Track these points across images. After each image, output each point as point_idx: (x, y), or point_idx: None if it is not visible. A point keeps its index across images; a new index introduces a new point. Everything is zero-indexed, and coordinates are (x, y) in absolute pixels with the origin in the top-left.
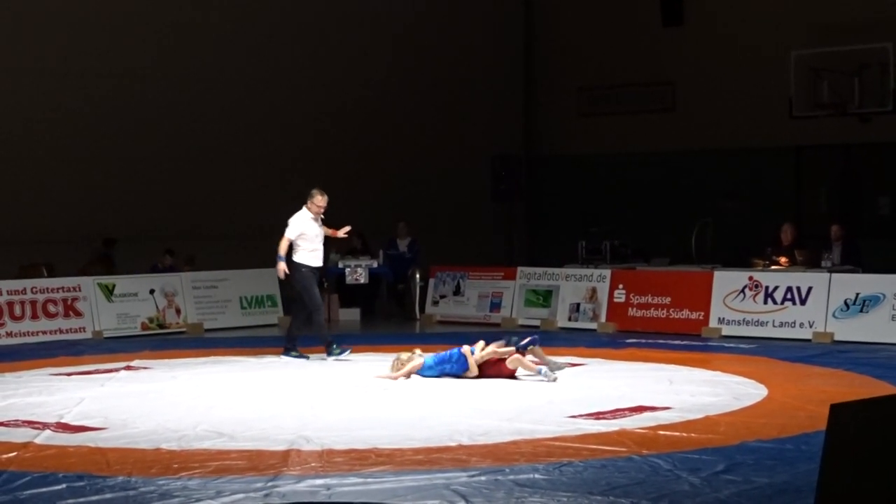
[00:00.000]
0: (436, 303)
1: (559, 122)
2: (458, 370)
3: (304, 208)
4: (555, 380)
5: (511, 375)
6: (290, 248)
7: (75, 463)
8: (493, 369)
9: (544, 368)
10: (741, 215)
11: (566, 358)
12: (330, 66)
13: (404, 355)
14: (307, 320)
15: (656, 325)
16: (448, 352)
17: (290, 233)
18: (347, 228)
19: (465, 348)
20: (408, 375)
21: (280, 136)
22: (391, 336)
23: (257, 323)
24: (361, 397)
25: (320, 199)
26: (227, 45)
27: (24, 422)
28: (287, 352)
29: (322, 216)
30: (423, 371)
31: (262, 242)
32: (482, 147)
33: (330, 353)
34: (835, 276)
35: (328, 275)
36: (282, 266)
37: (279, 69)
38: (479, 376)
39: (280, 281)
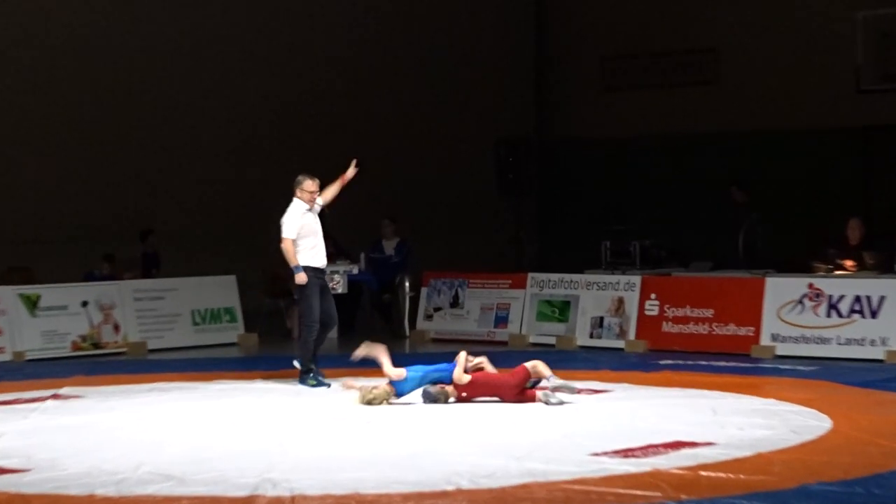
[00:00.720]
0: (429, 317)
1: (578, 98)
2: (446, 376)
3: (295, 199)
4: (559, 403)
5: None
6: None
7: None
8: (512, 393)
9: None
10: (799, 208)
11: (586, 383)
12: (303, 41)
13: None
14: (321, 333)
15: (696, 342)
16: (437, 366)
17: (288, 231)
18: (353, 164)
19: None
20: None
21: (248, 123)
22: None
23: (213, 342)
24: (339, 431)
25: (310, 184)
26: (194, 25)
27: None
28: (302, 378)
29: (320, 205)
30: (403, 385)
31: (220, 245)
32: (485, 130)
33: (302, 381)
34: None
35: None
36: (302, 276)
37: (251, 48)
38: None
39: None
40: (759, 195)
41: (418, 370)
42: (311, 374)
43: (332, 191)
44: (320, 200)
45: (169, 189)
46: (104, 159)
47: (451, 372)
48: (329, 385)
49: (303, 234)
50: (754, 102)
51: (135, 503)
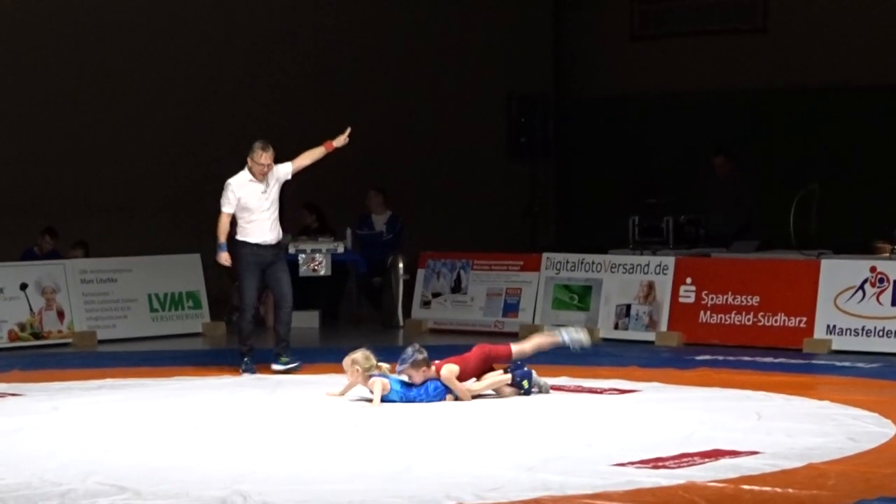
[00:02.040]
0: (426, 303)
1: (603, 48)
2: (430, 399)
3: (245, 169)
4: (540, 391)
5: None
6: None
7: None
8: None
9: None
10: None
11: (610, 382)
12: None
13: (359, 357)
14: (277, 313)
15: (739, 335)
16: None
17: (226, 205)
18: (347, 132)
19: (448, 370)
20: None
21: (214, 77)
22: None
23: (173, 332)
24: (322, 437)
25: (261, 156)
26: None
27: None
28: (276, 358)
29: (287, 175)
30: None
31: (183, 218)
32: (494, 84)
33: (246, 369)
34: None
35: None
36: (224, 255)
37: None
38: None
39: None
40: (810, 163)
41: (398, 383)
42: (247, 359)
43: (311, 156)
44: (289, 167)
45: (120, 152)
46: (42, 122)
47: (438, 394)
48: (253, 372)
49: (244, 207)
50: (808, 54)
51: None
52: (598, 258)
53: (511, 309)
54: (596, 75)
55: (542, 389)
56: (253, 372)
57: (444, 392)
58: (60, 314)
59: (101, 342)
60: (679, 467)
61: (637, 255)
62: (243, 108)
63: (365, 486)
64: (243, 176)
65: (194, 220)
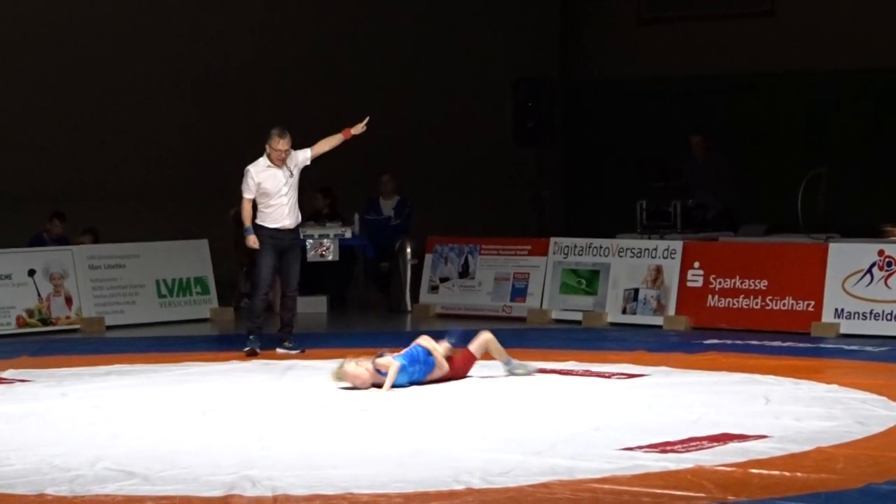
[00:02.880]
0: (434, 288)
1: (610, 32)
2: (426, 373)
3: (264, 156)
4: (527, 374)
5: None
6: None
7: None
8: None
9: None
10: (868, 161)
11: (618, 366)
12: None
13: (358, 361)
14: (283, 300)
15: (747, 319)
16: (410, 350)
17: (246, 191)
18: (366, 120)
19: (426, 341)
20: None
21: (221, 65)
22: (370, 335)
23: (181, 317)
24: (330, 422)
25: (278, 142)
26: None
27: None
28: (280, 343)
29: (307, 160)
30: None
31: (191, 203)
32: (502, 69)
33: (250, 345)
34: None
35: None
36: (252, 238)
37: None
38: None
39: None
40: (821, 146)
41: (407, 359)
42: (252, 336)
43: (329, 143)
44: (308, 153)
45: (127, 137)
46: (50, 109)
47: (428, 364)
48: (256, 354)
49: (263, 193)
50: (817, 37)
51: None
52: (605, 242)
53: (519, 293)
54: (603, 59)
55: (528, 371)
56: (255, 352)
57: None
58: (68, 300)
59: (110, 328)
60: (687, 451)
61: (645, 240)
62: (250, 95)
63: (374, 470)
64: (262, 162)
65: (202, 206)
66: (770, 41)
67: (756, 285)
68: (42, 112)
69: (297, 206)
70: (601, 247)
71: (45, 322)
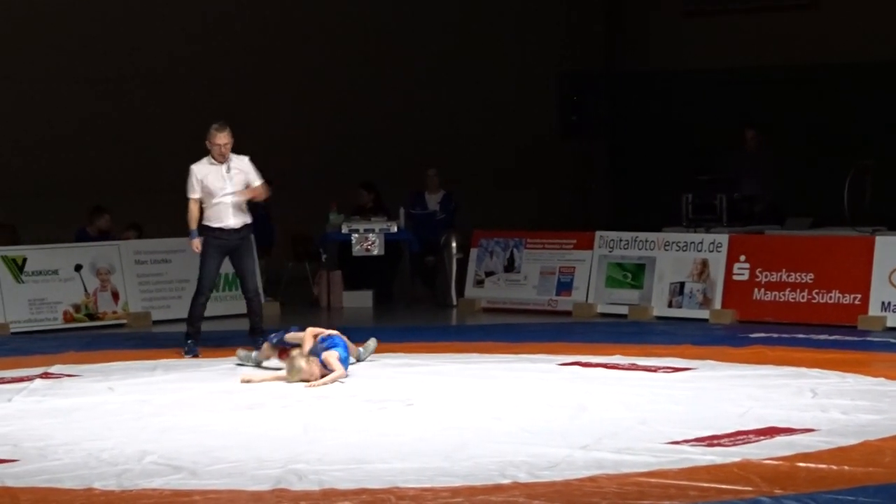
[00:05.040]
0: (480, 283)
1: (655, 25)
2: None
3: (208, 154)
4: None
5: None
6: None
7: None
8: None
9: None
10: None
11: (664, 360)
12: None
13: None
14: (246, 303)
15: (793, 312)
16: (334, 339)
17: (190, 191)
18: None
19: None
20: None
21: (264, 60)
22: (416, 330)
23: (227, 312)
24: (375, 415)
25: (216, 136)
26: None
27: None
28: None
29: (233, 160)
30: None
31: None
32: (545, 63)
33: (188, 351)
34: None
35: (326, 243)
36: (195, 242)
37: None
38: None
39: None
40: (867, 138)
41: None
42: (191, 341)
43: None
44: (249, 165)
45: (173, 133)
46: (96, 104)
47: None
48: (196, 355)
49: (205, 191)
50: (862, 30)
51: (139, 498)
52: (651, 236)
53: (564, 287)
54: (648, 52)
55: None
56: (196, 355)
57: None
58: (115, 295)
59: (156, 323)
60: (734, 445)
61: (691, 233)
62: (290, 90)
63: (420, 464)
64: (205, 161)
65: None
66: (814, 33)
67: (802, 278)
68: (86, 108)
69: (244, 206)
70: (647, 240)
71: (91, 317)
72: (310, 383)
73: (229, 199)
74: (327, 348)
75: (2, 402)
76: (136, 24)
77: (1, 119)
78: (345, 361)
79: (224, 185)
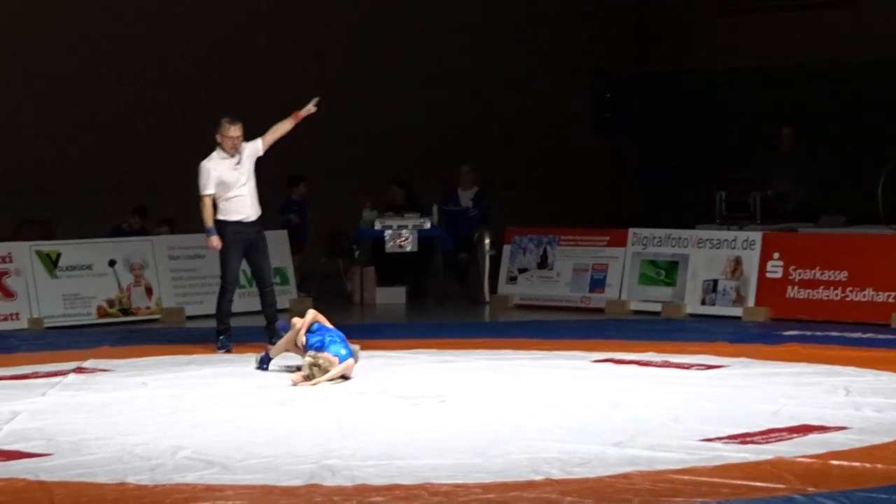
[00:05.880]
0: (513, 279)
1: (689, 23)
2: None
3: (217, 148)
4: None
5: None
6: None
7: (6, 503)
8: None
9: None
10: None
11: (697, 357)
12: None
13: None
14: (262, 297)
15: (827, 310)
16: (335, 336)
17: (205, 187)
18: (315, 100)
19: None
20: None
21: (295, 55)
22: (449, 326)
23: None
24: (408, 411)
25: (229, 129)
26: None
27: None
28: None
29: (259, 151)
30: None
31: (270, 194)
32: (580, 61)
33: (221, 346)
34: None
35: (360, 239)
36: (214, 239)
37: None
38: None
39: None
40: None
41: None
42: (222, 337)
43: (279, 131)
44: (259, 143)
45: (205, 130)
46: (128, 101)
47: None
48: (229, 350)
49: (221, 185)
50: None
51: (172, 493)
52: (684, 233)
53: (597, 284)
54: (682, 50)
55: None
56: (229, 350)
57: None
58: (149, 290)
59: (189, 318)
60: (767, 442)
61: (724, 230)
62: (323, 87)
63: (452, 461)
64: (215, 155)
65: (279, 196)
66: (850, 31)
67: (836, 276)
68: (118, 105)
69: (257, 197)
70: (680, 238)
71: (125, 312)
72: (313, 381)
73: (246, 191)
74: (322, 345)
75: (36, 397)
76: (169, 22)
77: (35, 115)
78: (343, 358)
79: (238, 178)
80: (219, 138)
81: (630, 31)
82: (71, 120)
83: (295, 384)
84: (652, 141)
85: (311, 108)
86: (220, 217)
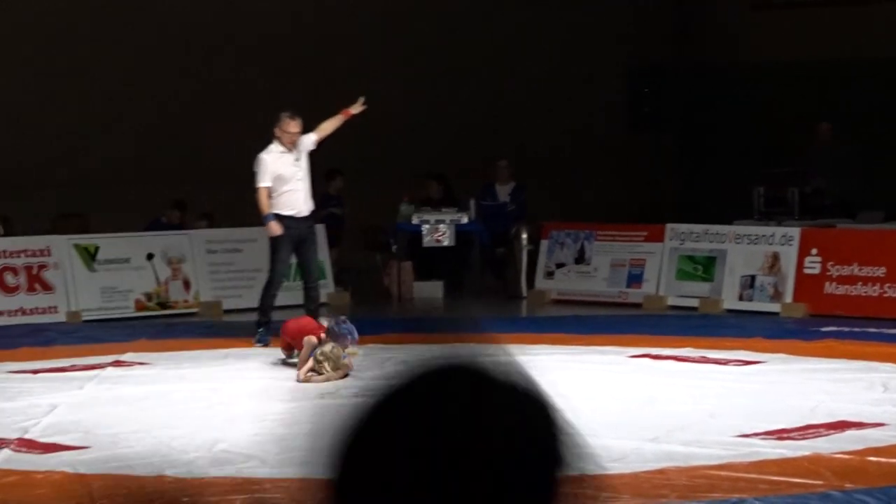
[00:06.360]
0: (550, 274)
1: (726, 18)
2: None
3: (274, 141)
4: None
5: None
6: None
7: (45, 495)
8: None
9: None
10: None
11: (735, 353)
12: None
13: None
14: (306, 292)
15: (865, 306)
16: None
17: (262, 179)
18: (361, 100)
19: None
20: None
21: (335, 49)
22: (486, 321)
23: (298, 301)
24: None
25: (289, 125)
26: None
27: None
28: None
29: (313, 143)
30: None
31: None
32: (618, 55)
33: (259, 339)
34: None
35: (397, 233)
36: (273, 224)
37: None
38: None
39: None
40: None
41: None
42: (262, 329)
43: (330, 126)
44: (313, 136)
45: (244, 123)
46: (168, 95)
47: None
48: (267, 344)
49: (278, 178)
50: None
51: (210, 486)
52: (722, 229)
53: (635, 279)
54: (719, 45)
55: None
56: (266, 344)
57: None
58: (186, 284)
59: (227, 312)
60: (804, 439)
61: (762, 226)
62: (360, 82)
63: None
64: (274, 149)
65: (317, 189)
66: (887, 27)
67: (874, 272)
68: (158, 99)
69: (310, 192)
70: (718, 233)
71: (163, 305)
72: (324, 376)
73: (301, 186)
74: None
75: (74, 390)
76: (210, 16)
77: (73, 110)
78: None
79: (295, 172)
80: (277, 132)
81: (667, 25)
82: (108, 115)
83: (302, 381)
84: (689, 136)
85: (359, 106)
86: (273, 211)
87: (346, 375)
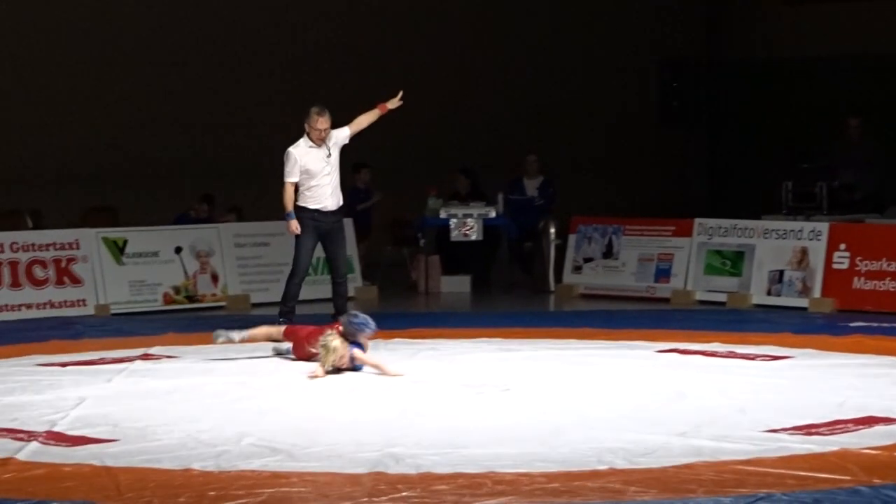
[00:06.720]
0: (578, 268)
1: (756, 13)
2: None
3: (304, 136)
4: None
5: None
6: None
7: (73, 488)
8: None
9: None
10: None
11: (763, 348)
12: None
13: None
14: (334, 287)
15: (894, 302)
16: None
17: (290, 175)
18: (400, 94)
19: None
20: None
21: (357, 44)
22: (514, 315)
23: (326, 295)
24: (472, 400)
25: (317, 121)
26: None
27: (1, 430)
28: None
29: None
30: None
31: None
32: (645, 50)
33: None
34: None
35: (425, 227)
36: (293, 223)
37: None
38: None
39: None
40: None
41: None
42: (282, 320)
43: (366, 120)
44: (347, 130)
45: (272, 118)
46: (196, 91)
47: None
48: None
49: (305, 173)
50: None
51: (237, 479)
52: (750, 224)
53: (663, 274)
54: (748, 40)
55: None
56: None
57: None
58: (214, 277)
59: (255, 305)
60: (832, 434)
61: (790, 221)
62: (388, 77)
63: (517, 450)
64: (302, 143)
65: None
66: None
67: None
68: (186, 94)
69: (339, 187)
70: (746, 228)
71: (191, 299)
72: (324, 367)
73: (328, 181)
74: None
75: (102, 383)
76: (240, 13)
77: (99, 103)
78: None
79: (324, 167)
80: (307, 127)
81: (697, 20)
82: (135, 108)
83: (312, 377)
84: (718, 130)
85: (396, 101)
86: (300, 203)
87: (342, 370)
